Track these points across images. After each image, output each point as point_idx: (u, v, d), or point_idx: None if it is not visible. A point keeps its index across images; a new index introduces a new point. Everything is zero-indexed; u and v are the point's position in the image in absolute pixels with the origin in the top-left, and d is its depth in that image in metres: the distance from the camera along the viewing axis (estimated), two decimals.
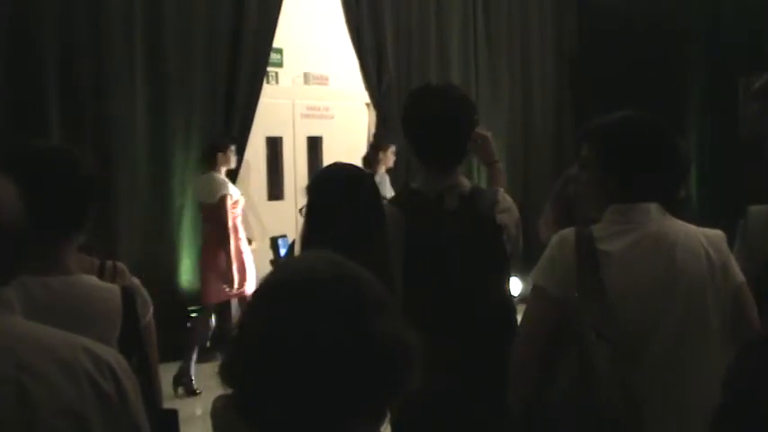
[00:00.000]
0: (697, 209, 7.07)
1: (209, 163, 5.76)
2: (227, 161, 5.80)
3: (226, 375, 1.05)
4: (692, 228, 1.98)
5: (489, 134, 2.61)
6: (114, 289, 1.75)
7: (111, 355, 1.32)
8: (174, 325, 5.78)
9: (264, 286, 1.09)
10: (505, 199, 2.46)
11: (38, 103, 5.48)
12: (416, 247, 2.33)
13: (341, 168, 2.37)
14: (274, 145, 7.25)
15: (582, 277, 1.86)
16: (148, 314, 1.82)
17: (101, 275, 2.12)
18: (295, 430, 1.02)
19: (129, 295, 1.75)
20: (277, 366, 1.00)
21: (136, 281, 1.85)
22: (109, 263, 2.14)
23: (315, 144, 7.46)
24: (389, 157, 6.63)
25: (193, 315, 6.11)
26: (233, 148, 5.88)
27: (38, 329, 1.27)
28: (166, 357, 5.46)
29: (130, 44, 5.97)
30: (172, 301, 5.96)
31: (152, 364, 1.79)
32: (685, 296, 1.88)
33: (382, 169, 6.55)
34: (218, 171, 5.73)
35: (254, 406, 1.03)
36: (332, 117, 7.59)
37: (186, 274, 6.33)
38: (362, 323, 1.02)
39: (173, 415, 1.83)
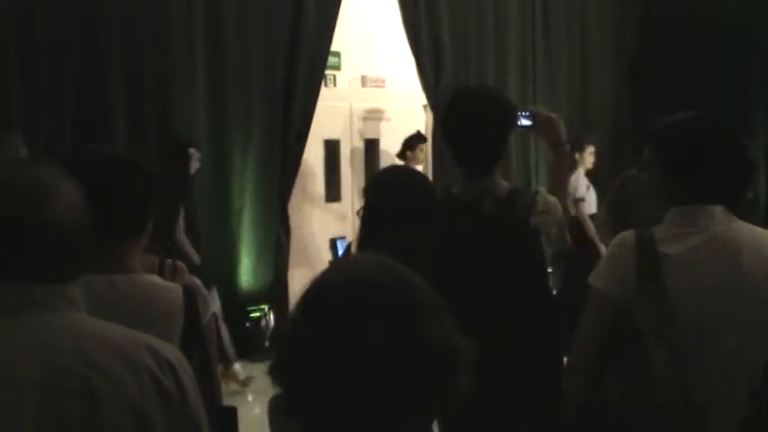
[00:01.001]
0: (765, 211, 6.87)
1: None
2: None
3: (276, 375, 1.07)
4: (759, 230, 1.93)
5: (555, 115, 2.54)
6: (176, 288, 1.79)
7: (172, 352, 1.35)
8: (233, 325, 5.88)
9: (315, 287, 1.09)
10: (545, 200, 2.41)
11: (103, 110, 5.60)
12: (451, 251, 2.31)
13: (398, 171, 2.37)
14: (332, 147, 7.31)
15: (642, 278, 1.84)
16: (209, 313, 1.85)
17: (160, 274, 2.17)
18: (343, 430, 1.03)
19: (190, 294, 1.79)
20: (326, 366, 1.01)
21: (196, 280, 1.89)
22: (168, 262, 2.19)
23: (372, 146, 7.50)
24: (418, 156, 6.70)
25: (253, 315, 6.20)
26: None
27: (103, 327, 1.31)
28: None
29: (190, 48, 6.08)
30: (231, 301, 6.05)
31: (212, 363, 1.83)
32: (751, 300, 1.84)
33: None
34: None
35: (303, 405, 1.04)
36: (389, 119, 7.61)
37: (246, 274, 6.41)
38: (411, 325, 1.02)
39: (232, 412, 1.86)
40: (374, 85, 7.52)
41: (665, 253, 1.86)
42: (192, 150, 5.62)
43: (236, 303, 6.15)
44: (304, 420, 1.04)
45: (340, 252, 5.84)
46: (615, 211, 2.39)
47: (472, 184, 2.44)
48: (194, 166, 5.64)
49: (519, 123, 2.51)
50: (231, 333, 5.75)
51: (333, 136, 7.29)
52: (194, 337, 1.74)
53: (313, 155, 7.04)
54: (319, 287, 1.09)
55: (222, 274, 6.17)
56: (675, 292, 1.82)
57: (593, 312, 1.95)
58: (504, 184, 2.44)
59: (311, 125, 6.65)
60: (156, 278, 1.79)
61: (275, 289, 6.41)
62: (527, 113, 2.52)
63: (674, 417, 1.75)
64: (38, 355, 1.21)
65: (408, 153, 6.69)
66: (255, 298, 6.33)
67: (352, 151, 7.44)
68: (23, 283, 1.24)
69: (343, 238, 6.10)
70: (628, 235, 1.94)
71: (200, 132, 6.12)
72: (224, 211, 6.35)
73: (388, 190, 2.31)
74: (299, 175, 6.60)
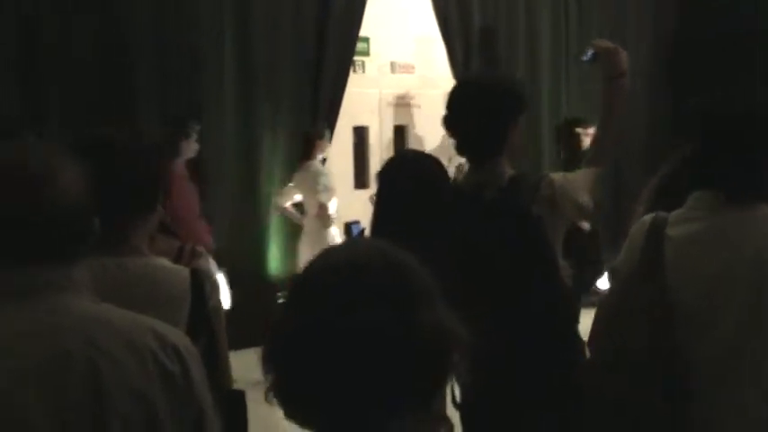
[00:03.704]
0: None
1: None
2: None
3: (268, 362, 1.05)
4: None
5: (615, 46, 2.40)
6: (183, 271, 1.77)
7: (178, 336, 1.34)
8: (262, 311, 5.88)
9: (307, 272, 1.08)
10: (550, 185, 2.29)
11: (130, 99, 5.64)
12: (452, 241, 2.26)
13: (411, 156, 2.34)
14: (361, 134, 7.29)
15: (643, 258, 1.85)
16: (216, 296, 1.83)
17: (179, 257, 2.17)
18: (336, 416, 1.01)
19: (197, 277, 1.76)
20: (316, 353, 1.00)
21: (211, 265, 1.88)
22: (188, 245, 2.19)
23: (401, 133, 7.45)
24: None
25: (281, 302, 6.20)
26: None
27: (107, 310, 1.30)
28: (255, 342, 5.55)
29: (218, 36, 6.08)
30: (260, 288, 6.07)
31: (219, 346, 1.81)
32: (753, 289, 1.78)
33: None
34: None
35: (293, 392, 1.03)
36: (418, 106, 7.56)
37: (274, 261, 6.43)
38: (406, 311, 1.00)
39: (240, 396, 1.84)
40: (403, 71, 7.47)
41: (668, 235, 1.84)
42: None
43: (264, 291, 6.16)
44: (294, 408, 1.03)
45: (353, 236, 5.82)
46: (653, 198, 2.31)
47: (475, 173, 2.39)
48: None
49: (583, 59, 2.43)
50: (260, 320, 5.74)
51: (362, 122, 7.26)
52: (201, 319, 1.72)
53: (342, 141, 7.01)
54: (310, 272, 1.07)
55: (251, 261, 6.20)
56: (672, 275, 1.81)
57: (609, 287, 2.00)
58: (510, 173, 2.36)
59: (340, 112, 6.62)
60: (163, 261, 1.77)
61: None
62: (589, 49, 2.42)
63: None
64: (43, 338, 1.21)
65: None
66: (284, 285, 6.33)
67: (382, 138, 7.41)
68: (26, 266, 1.23)
69: (356, 222, 6.04)
70: (647, 217, 1.93)
71: (228, 119, 6.13)
72: (253, 198, 6.36)
73: (397, 174, 2.26)
74: (328, 161, 6.58)
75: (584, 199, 2.30)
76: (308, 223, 6.02)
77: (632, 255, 1.89)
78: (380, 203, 2.28)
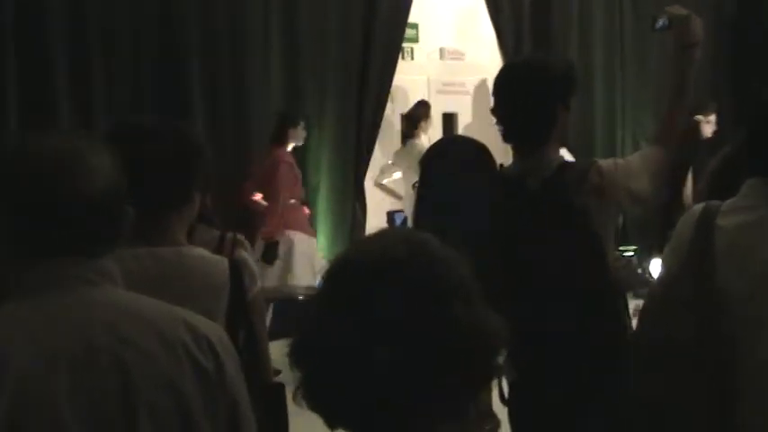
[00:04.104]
0: None
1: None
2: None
3: (297, 357, 0.99)
4: None
5: (690, 13, 2.23)
6: (222, 261, 1.72)
7: (212, 328, 1.29)
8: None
9: (335, 265, 1.02)
10: (599, 174, 2.15)
11: (177, 84, 5.62)
12: (492, 233, 2.14)
13: (455, 141, 2.25)
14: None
15: (691, 250, 1.71)
16: (255, 287, 1.78)
17: (220, 247, 2.11)
18: (366, 415, 0.95)
19: (236, 268, 1.72)
20: (348, 346, 0.94)
21: (249, 257, 1.82)
22: (229, 234, 2.13)
23: (450, 120, 7.35)
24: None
25: (311, 294, 6.15)
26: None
27: (139, 301, 1.26)
28: None
29: (265, 22, 6.02)
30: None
31: (259, 338, 1.76)
32: None
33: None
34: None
35: (323, 389, 0.97)
36: (467, 92, 7.44)
37: (322, 251, 6.39)
38: (436, 307, 0.95)
39: (280, 389, 1.78)
40: (452, 58, 7.38)
41: (719, 225, 1.69)
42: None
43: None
44: (322, 405, 0.98)
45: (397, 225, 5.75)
46: (713, 183, 2.17)
47: (521, 161, 2.27)
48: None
49: (655, 27, 2.29)
50: None
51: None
52: (240, 311, 1.68)
53: (390, 129, 6.92)
54: (340, 265, 1.02)
55: None
56: (722, 266, 1.66)
57: (656, 283, 1.87)
58: (559, 160, 2.23)
59: (388, 99, 6.54)
60: (201, 251, 1.72)
61: None
62: (662, 16, 2.28)
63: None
64: (72, 331, 1.17)
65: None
66: None
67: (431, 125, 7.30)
68: (56, 258, 1.19)
69: (400, 211, 5.97)
70: (697, 207, 1.80)
71: (274, 108, 6.10)
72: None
73: (440, 161, 2.17)
74: (376, 150, 6.52)
75: (640, 185, 2.17)
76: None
77: (681, 245, 1.76)
78: (422, 191, 2.20)
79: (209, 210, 2.23)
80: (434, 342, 0.93)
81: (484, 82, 7.48)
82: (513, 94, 2.21)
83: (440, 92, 7.35)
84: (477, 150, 2.25)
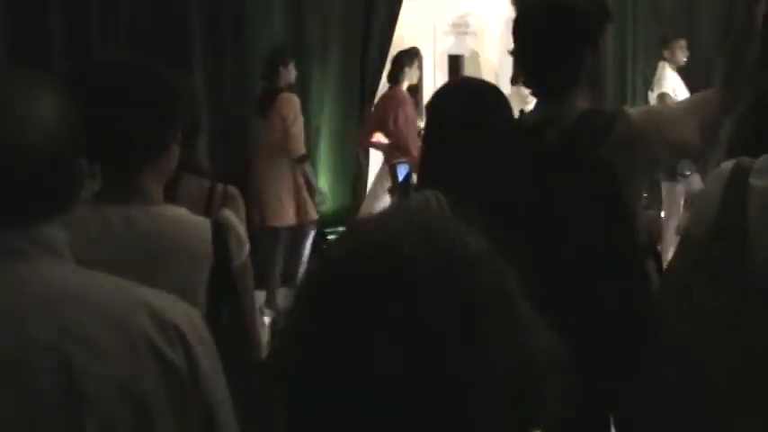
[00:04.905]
0: None
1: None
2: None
3: (275, 378, 0.74)
4: None
5: None
6: (204, 223, 1.48)
7: (183, 313, 1.06)
8: (311, 248, 5.75)
9: (327, 266, 0.73)
10: (627, 125, 1.93)
11: (178, 24, 5.45)
12: (506, 184, 1.92)
13: (464, 85, 2.05)
14: None
15: (721, 215, 1.54)
16: (243, 254, 1.54)
17: (210, 201, 1.94)
18: None
19: (219, 231, 1.47)
20: (333, 391, 0.66)
21: (234, 218, 1.62)
22: (220, 186, 1.96)
23: (456, 63, 7.12)
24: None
25: (330, 238, 6.04)
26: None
27: (90, 282, 1.03)
28: None
29: None
30: None
31: (247, 314, 1.53)
32: None
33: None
34: None
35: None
36: (475, 33, 7.19)
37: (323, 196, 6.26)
38: (464, 330, 0.65)
39: None
40: None
41: (753, 185, 1.50)
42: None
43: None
44: None
45: (400, 178, 5.51)
46: (739, 129, 1.95)
47: (542, 108, 2.06)
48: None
49: None
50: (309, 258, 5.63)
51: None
52: (225, 283, 1.46)
53: None
54: (332, 269, 0.71)
55: None
56: (758, 233, 1.49)
57: (677, 251, 1.69)
58: (579, 109, 1.99)
59: (392, 40, 6.31)
60: (180, 211, 1.49)
61: (354, 211, 6.23)
62: None
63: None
64: (3, 323, 0.96)
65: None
66: (333, 221, 6.15)
67: (436, 68, 7.08)
68: None
69: (403, 162, 5.65)
70: (727, 164, 1.61)
71: (276, 41, 5.90)
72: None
73: (448, 105, 1.97)
74: (379, 92, 6.32)
75: (683, 134, 1.94)
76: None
77: (708, 210, 1.59)
78: (428, 140, 2.00)
79: (196, 157, 2.04)
80: (461, 384, 0.65)
81: (495, 23, 7.21)
82: (532, 33, 2.01)
83: (446, 33, 7.13)
84: (489, 92, 2.02)
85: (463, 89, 2.09)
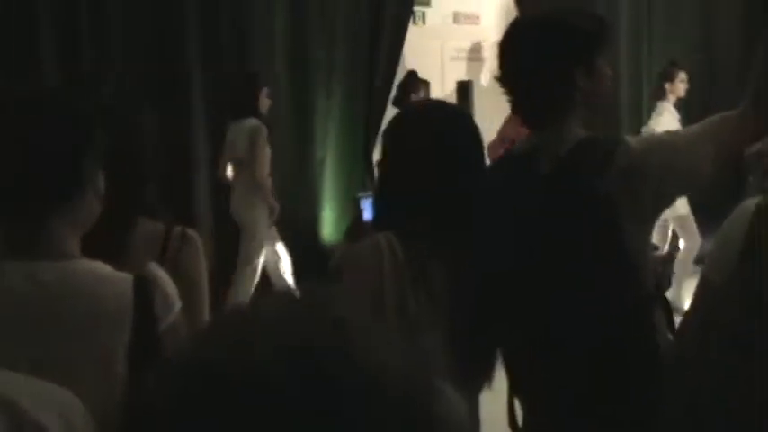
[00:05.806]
0: None
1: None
2: None
3: None
4: None
5: None
6: (124, 280, 1.30)
7: (54, 406, 0.90)
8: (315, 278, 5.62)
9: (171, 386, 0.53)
10: (629, 154, 1.75)
11: (177, 39, 5.35)
12: (495, 219, 1.76)
13: (431, 106, 1.86)
14: None
15: (745, 256, 1.41)
16: (171, 315, 1.34)
17: (165, 246, 1.79)
18: None
19: (142, 288, 1.30)
20: None
21: (163, 273, 1.44)
22: (177, 228, 1.81)
23: (465, 89, 7.00)
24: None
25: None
26: None
27: None
28: None
29: None
30: (313, 256, 5.76)
31: None
32: None
33: None
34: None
35: None
36: (483, 59, 7.11)
37: (328, 227, 6.14)
38: None
39: None
40: (468, 22, 7.12)
41: None
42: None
43: (317, 258, 5.86)
44: None
45: (365, 215, 5.25)
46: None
47: (533, 137, 1.89)
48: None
49: None
50: None
51: (422, 77, 6.83)
52: (149, 346, 1.27)
53: None
54: (179, 390, 0.52)
55: (304, 227, 5.92)
56: None
57: (695, 295, 1.58)
58: (577, 136, 1.82)
59: (399, 66, 6.24)
60: (95, 265, 1.32)
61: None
62: None
63: None
64: None
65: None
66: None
67: (444, 94, 6.98)
68: None
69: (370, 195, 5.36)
70: (750, 202, 1.47)
71: (280, 78, 5.81)
72: (306, 160, 6.04)
73: (407, 132, 1.75)
74: (385, 120, 6.20)
75: (691, 162, 1.76)
76: None
77: (731, 243, 1.45)
78: (386, 170, 1.80)
79: (151, 198, 1.89)
80: None
81: None
82: (518, 55, 1.83)
83: (454, 59, 7.06)
84: (454, 116, 1.83)
85: (423, 113, 1.88)
